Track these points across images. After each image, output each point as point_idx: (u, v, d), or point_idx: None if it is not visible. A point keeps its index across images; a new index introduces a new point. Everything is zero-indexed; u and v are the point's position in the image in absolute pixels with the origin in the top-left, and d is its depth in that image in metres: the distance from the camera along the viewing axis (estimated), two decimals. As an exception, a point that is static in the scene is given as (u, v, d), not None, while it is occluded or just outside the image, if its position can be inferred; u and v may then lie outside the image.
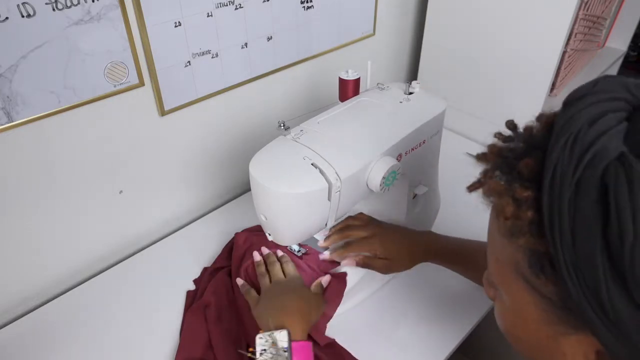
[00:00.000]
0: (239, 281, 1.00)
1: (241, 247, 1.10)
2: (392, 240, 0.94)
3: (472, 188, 0.51)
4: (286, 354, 0.78)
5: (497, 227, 0.48)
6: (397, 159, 0.86)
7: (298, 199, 0.77)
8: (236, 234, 1.16)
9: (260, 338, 0.80)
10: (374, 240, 0.93)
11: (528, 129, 0.48)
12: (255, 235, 1.12)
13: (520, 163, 0.43)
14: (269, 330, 0.82)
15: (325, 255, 0.99)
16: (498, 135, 0.51)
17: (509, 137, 0.49)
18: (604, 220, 0.36)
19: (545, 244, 0.40)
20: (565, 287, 0.39)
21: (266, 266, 1.00)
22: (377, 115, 0.92)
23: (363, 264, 0.94)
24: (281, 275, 0.97)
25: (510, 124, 0.51)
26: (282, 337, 0.79)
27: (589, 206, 0.37)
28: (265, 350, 0.79)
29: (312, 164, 0.78)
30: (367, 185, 0.85)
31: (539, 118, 0.47)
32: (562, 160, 0.39)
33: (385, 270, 0.94)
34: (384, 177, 0.82)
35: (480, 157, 0.50)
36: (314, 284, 0.96)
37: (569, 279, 0.39)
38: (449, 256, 0.94)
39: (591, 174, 0.37)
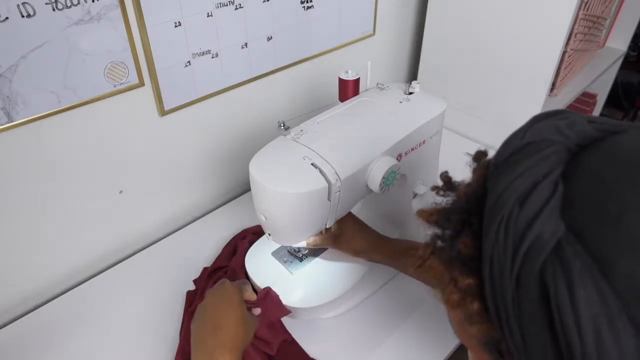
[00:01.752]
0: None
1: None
2: (349, 217, 0.96)
3: (415, 266, 0.49)
4: None
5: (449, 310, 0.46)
6: (397, 159, 0.86)
7: (298, 199, 0.77)
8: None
9: None
10: None
11: (463, 193, 0.45)
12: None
13: (458, 242, 0.41)
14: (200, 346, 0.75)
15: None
16: (436, 189, 0.49)
17: (446, 189, 0.47)
18: (549, 321, 0.33)
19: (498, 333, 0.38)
20: None
21: None
22: (377, 115, 0.92)
23: (313, 242, 0.96)
24: (227, 283, 0.85)
25: (445, 177, 0.49)
26: None
27: (533, 305, 0.34)
28: None
29: (312, 164, 0.78)
30: (367, 185, 0.85)
31: (474, 171, 0.45)
32: (497, 252, 0.36)
33: (332, 242, 0.95)
34: (383, 177, 0.82)
35: (421, 216, 0.47)
36: (255, 309, 0.88)
37: None
38: (397, 251, 0.92)
39: (529, 271, 0.34)
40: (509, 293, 0.36)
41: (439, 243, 0.45)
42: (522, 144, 0.40)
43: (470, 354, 0.53)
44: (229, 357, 0.72)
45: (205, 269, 1.10)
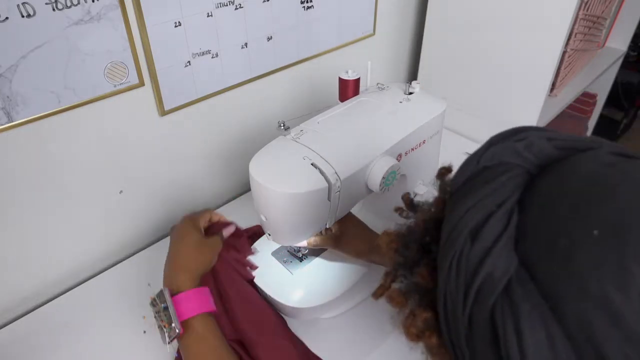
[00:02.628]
0: None
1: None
2: (350, 218, 0.96)
3: (376, 295, 0.47)
4: (168, 311, 0.73)
5: None
6: (397, 159, 0.86)
7: (298, 199, 0.77)
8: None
9: (151, 303, 0.77)
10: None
11: (421, 220, 0.44)
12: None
13: (416, 273, 0.41)
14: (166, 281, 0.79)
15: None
16: (399, 210, 0.48)
17: (408, 211, 0.47)
18: None
19: None
20: None
21: None
22: (377, 115, 0.92)
23: (314, 243, 0.96)
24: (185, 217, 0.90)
25: (407, 200, 0.48)
26: (162, 297, 0.75)
27: (485, 346, 0.34)
28: (157, 313, 0.75)
29: (312, 164, 0.78)
30: (367, 185, 0.85)
31: (435, 198, 0.44)
32: (450, 288, 0.36)
33: (333, 243, 0.95)
34: (383, 177, 0.82)
35: (382, 241, 0.46)
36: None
37: None
38: None
39: (480, 310, 0.34)
40: (462, 331, 0.35)
41: (400, 271, 0.44)
42: (478, 169, 0.39)
43: None
44: (183, 277, 0.77)
45: None
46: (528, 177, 0.37)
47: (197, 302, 0.76)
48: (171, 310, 0.73)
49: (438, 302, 0.38)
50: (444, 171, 0.46)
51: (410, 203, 0.47)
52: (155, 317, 0.75)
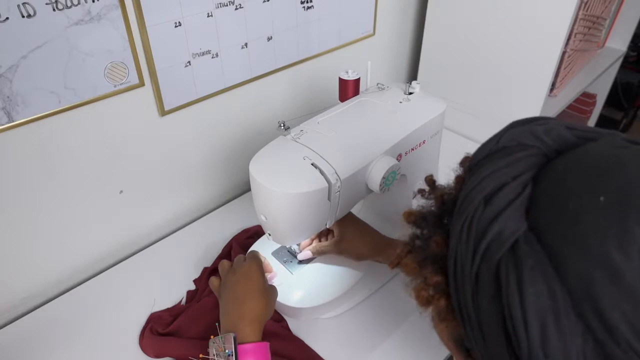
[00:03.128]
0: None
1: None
2: (350, 220, 0.95)
3: (392, 265, 0.49)
4: (230, 359, 0.73)
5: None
6: (397, 159, 0.86)
7: (298, 199, 0.77)
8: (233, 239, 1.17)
9: (214, 342, 0.76)
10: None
11: (440, 194, 0.46)
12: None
13: (432, 241, 0.42)
14: (226, 324, 0.78)
15: (306, 253, 1.00)
16: (421, 191, 0.50)
17: (430, 192, 0.48)
18: (503, 317, 0.34)
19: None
20: None
21: None
22: (377, 115, 0.92)
23: (316, 251, 0.96)
24: (240, 261, 0.88)
25: (429, 181, 0.50)
26: (228, 341, 0.74)
27: (489, 301, 0.35)
28: (217, 354, 0.75)
29: (312, 164, 0.78)
30: (367, 185, 0.85)
31: (456, 177, 0.46)
32: (460, 249, 0.37)
33: (335, 249, 0.94)
34: (383, 177, 0.82)
35: (404, 220, 0.48)
36: (270, 276, 0.93)
37: None
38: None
39: (487, 268, 0.35)
40: (468, 290, 0.37)
41: (417, 242, 0.46)
42: (497, 148, 0.41)
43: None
44: (249, 330, 0.76)
45: (205, 269, 1.11)
46: (545, 159, 0.39)
47: (259, 357, 0.76)
48: (234, 358, 0.73)
49: (448, 264, 0.39)
50: (466, 160, 0.48)
51: (432, 184, 0.49)
52: (213, 358, 0.75)
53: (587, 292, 0.31)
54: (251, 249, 1.07)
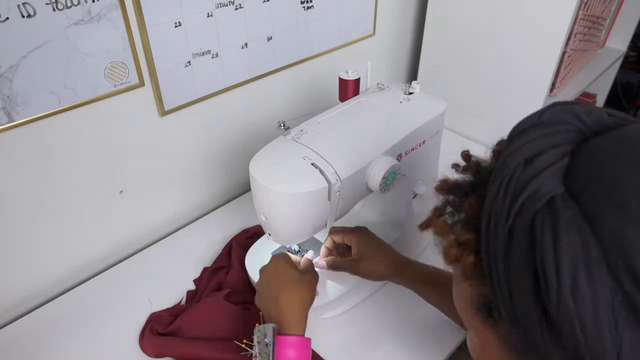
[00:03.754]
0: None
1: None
2: (369, 239, 0.94)
3: (423, 226, 0.50)
4: (268, 349, 0.75)
5: (452, 269, 0.48)
6: (397, 159, 0.86)
7: (298, 199, 0.77)
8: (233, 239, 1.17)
9: (258, 331, 0.78)
10: (352, 236, 0.93)
11: (476, 163, 0.47)
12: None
13: (465, 202, 0.43)
14: (269, 320, 0.80)
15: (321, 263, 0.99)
16: (455, 166, 0.51)
17: (465, 168, 0.49)
18: (534, 270, 0.35)
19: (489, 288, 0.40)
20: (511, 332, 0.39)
21: None
22: (377, 115, 0.92)
23: (333, 265, 0.94)
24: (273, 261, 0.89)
25: (465, 155, 0.50)
26: (268, 331, 0.76)
27: (520, 257, 0.36)
28: (258, 342, 0.77)
29: (312, 164, 0.78)
30: (367, 185, 0.85)
31: (492, 151, 0.47)
32: (496, 205, 0.38)
33: (352, 268, 0.92)
34: (383, 177, 0.82)
35: (437, 190, 0.49)
36: (302, 260, 0.92)
37: (511, 326, 0.39)
38: (419, 277, 0.91)
39: (521, 223, 0.36)
40: (500, 245, 0.37)
41: (448, 209, 0.47)
42: (537, 122, 0.42)
43: (468, 339, 0.54)
44: (291, 321, 0.78)
45: (205, 269, 1.11)
46: (583, 137, 0.40)
47: (298, 351, 0.77)
48: (271, 349, 0.75)
49: (482, 221, 0.40)
50: (503, 141, 0.48)
51: (468, 158, 0.49)
52: (255, 345, 0.77)
53: (621, 249, 0.32)
54: (251, 249, 1.07)
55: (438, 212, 0.48)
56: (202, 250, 1.17)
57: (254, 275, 0.99)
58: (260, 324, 0.80)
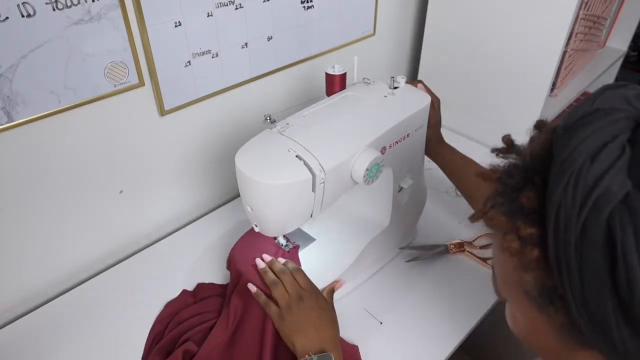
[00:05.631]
0: (252, 287, 0.93)
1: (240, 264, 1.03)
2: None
3: (474, 218, 0.50)
4: None
5: (503, 258, 0.48)
6: (381, 152, 0.87)
7: (282, 190, 0.79)
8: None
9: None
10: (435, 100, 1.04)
11: (525, 153, 0.48)
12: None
13: (521, 196, 0.43)
14: (304, 350, 0.82)
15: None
16: (496, 152, 0.51)
17: (507, 151, 0.50)
18: (611, 265, 0.36)
19: (553, 279, 0.41)
20: (576, 321, 0.41)
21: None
22: (362, 108, 0.93)
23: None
24: (297, 287, 0.90)
25: (507, 140, 0.51)
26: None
27: (596, 250, 0.37)
28: None
29: (296, 156, 0.80)
30: (352, 177, 0.86)
31: (532, 139, 0.48)
32: (565, 203, 0.39)
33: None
34: (367, 169, 0.83)
35: (486, 178, 0.50)
36: (326, 290, 0.95)
37: (579, 318, 0.40)
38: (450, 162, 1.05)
39: (596, 218, 0.37)
40: (572, 240, 0.38)
41: (499, 199, 0.47)
42: (591, 110, 0.42)
43: (508, 308, 0.56)
44: (337, 354, 0.83)
45: (184, 291, 1.07)
46: (634, 124, 0.40)
47: None
48: None
49: (548, 218, 0.40)
50: (541, 123, 0.50)
51: (511, 143, 0.50)
52: None
53: None
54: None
55: (489, 203, 0.48)
56: (202, 251, 1.18)
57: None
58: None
